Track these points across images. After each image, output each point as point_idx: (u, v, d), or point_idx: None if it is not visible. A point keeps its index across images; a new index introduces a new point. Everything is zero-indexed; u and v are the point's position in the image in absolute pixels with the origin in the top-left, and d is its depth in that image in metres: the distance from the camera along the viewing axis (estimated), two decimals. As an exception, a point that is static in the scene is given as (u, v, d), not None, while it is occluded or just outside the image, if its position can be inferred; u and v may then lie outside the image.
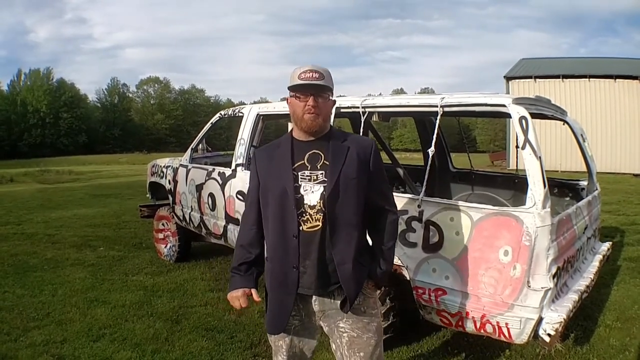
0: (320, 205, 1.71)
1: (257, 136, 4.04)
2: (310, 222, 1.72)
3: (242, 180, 3.86)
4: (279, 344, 1.86)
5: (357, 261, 1.75)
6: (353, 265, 1.72)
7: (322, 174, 1.73)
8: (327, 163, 1.74)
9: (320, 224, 1.71)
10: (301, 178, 1.74)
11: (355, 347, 1.81)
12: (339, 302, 1.78)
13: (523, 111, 2.54)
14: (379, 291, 2.88)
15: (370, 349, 1.82)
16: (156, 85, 70.12)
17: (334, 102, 1.83)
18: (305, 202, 1.72)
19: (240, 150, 4.01)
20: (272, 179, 1.78)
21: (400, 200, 2.90)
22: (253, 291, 1.81)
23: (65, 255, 5.68)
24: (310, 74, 1.70)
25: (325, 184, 1.71)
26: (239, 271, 1.84)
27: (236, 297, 1.81)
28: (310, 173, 1.74)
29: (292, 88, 1.73)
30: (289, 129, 1.92)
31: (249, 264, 1.84)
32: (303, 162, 1.76)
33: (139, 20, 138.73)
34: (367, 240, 1.90)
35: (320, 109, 1.72)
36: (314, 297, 1.80)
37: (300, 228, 1.72)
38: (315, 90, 1.70)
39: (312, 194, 1.72)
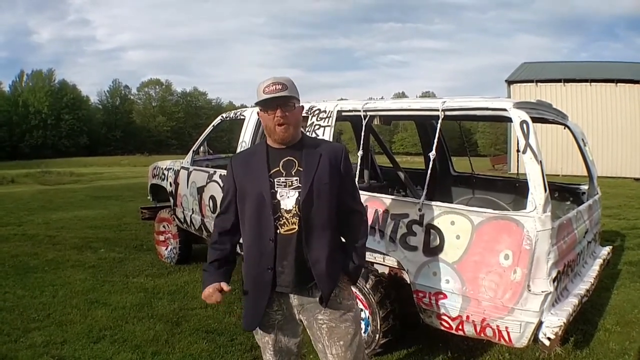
0: (295, 210, 1.81)
1: (259, 139, 4.05)
2: (287, 226, 1.82)
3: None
4: (264, 340, 1.94)
5: (331, 259, 1.85)
6: (327, 263, 1.83)
7: (296, 180, 1.83)
8: (301, 169, 1.84)
9: (297, 227, 1.81)
10: (277, 184, 1.84)
11: (335, 336, 1.90)
12: (317, 297, 1.87)
13: (524, 115, 2.55)
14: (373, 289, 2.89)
15: (349, 337, 1.91)
16: (158, 87, 70.16)
17: (302, 108, 1.92)
18: (281, 206, 1.82)
19: (242, 153, 4.01)
20: (249, 185, 1.86)
21: (401, 203, 2.91)
22: (223, 284, 1.85)
23: (66, 257, 5.69)
24: (274, 86, 1.77)
25: (299, 190, 1.82)
26: (210, 269, 1.91)
27: (209, 295, 1.84)
28: (285, 179, 1.84)
29: (259, 104, 1.81)
30: None
31: (220, 261, 1.92)
32: (278, 168, 1.85)
33: (141, 23, 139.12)
34: (339, 239, 1.99)
35: (289, 119, 1.81)
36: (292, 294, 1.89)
37: (278, 231, 1.82)
38: (280, 101, 1.78)
39: (288, 199, 1.82)
